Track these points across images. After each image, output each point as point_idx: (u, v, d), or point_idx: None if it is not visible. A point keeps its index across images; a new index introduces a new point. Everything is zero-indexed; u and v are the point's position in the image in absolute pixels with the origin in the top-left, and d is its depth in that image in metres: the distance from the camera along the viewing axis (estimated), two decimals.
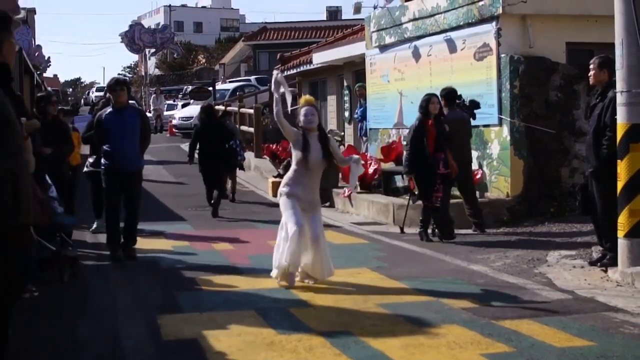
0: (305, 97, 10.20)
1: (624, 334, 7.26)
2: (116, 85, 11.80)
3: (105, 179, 11.81)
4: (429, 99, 12.86)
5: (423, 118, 12.78)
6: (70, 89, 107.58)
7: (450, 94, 13.68)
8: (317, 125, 9.79)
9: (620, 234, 9.50)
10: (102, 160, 11.87)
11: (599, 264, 10.23)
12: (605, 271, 9.88)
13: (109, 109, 11.92)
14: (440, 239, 12.83)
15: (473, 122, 15.20)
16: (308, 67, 28.56)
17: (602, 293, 8.92)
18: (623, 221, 9.46)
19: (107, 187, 11.80)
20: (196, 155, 17.49)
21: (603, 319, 7.80)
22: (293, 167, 9.80)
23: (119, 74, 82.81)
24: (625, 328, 7.44)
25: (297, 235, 9.29)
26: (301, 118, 9.66)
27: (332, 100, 26.80)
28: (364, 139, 21.02)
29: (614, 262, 9.74)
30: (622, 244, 9.51)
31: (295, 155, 9.76)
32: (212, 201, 16.97)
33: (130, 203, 11.90)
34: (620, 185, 9.47)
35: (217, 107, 33.12)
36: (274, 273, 9.75)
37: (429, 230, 13.06)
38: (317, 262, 9.57)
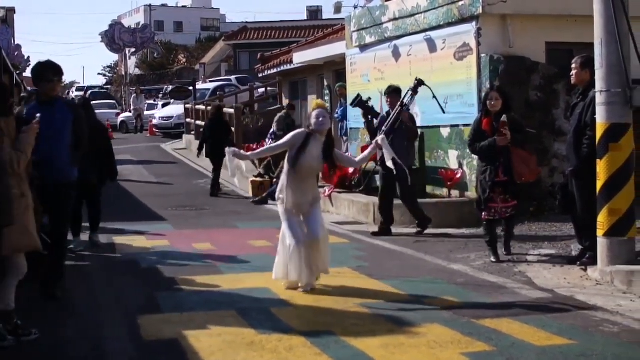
0: (316, 101, 10.04)
1: (604, 332, 7.30)
2: (54, 74, 9.07)
3: None
4: (487, 93, 11.23)
5: (479, 117, 11.31)
6: None
7: (396, 91, 13.75)
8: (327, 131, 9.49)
9: (600, 232, 9.55)
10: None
11: (578, 262, 10.27)
12: (585, 270, 9.92)
13: (32, 103, 9.32)
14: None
15: (453, 122, 15.30)
16: (288, 66, 28.58)
17: (582, 292, 8.96)
18: (602, 220, 9.51)
19: None
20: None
21: (583, 317, 7.84)
22: (285, 169, 9.55)
23: (99, 74, 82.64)
24: (604, 326, 7.47)
25: (297, 250, 9.14)
26: (312, 121, 9.33)
27: (312, 100, 26.77)
28: (345, 138, 21.05)
29: (593, 261, 9.79)
30: (601, 242, 9.56)
31: (289, 156, 9.44)
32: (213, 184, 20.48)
33: (57, 226, 9.09)
34: (599, 184, 9.52)
35: (200, 105, 33.20)
36: (278, 277, 9.54)
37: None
38: (318, 258, 9.35)
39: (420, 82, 13.61)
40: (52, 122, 8.71)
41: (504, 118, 10.76)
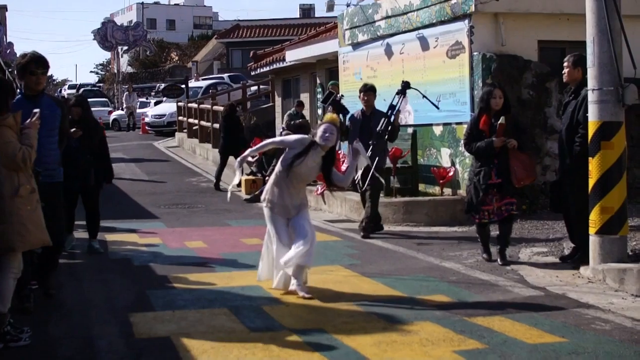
0: (329, 115, 9.66)
1: (595, 330, 7.31)
2: (37, 65, 8.38)
3: None
4: (490, 90, 10.64)
5: (478, 114, 10.80)
6: None
7: (372, 89, 13.60)
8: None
9: (592, 230, 9.56)
10: None
11: (570, 260, 10.29)
12: (577, 268, 9.93)
13: (17, 97, 8.23)
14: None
15: (445, 120, 15.31)
16: (281, 64, 28.56)
17: (574, 290, 8.98)
18: (594, 218, 9.52)
19: None
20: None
21: (574, 315, 7.85)
22: (277, 169, 9.25)
23: (91, 72, 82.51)
24: (596, 324, 7.49)
25: (281, 255, 8.92)
26: (319, 134, 9.02)
27: (305, 98, 26.79)
28: None
29: (585, 259, 9.80)
30: (593, 240, 9.57)
31: (284, 157, 9.13)
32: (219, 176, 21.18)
33: (51, 228, 7.81)
34: (591, 182, 9.53)
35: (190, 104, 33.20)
36: (261, 279, 9.39)
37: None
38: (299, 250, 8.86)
39: (407, 85, 13.45)
40: (40, 119, 7.73)
41: (502, 120, 10.43)
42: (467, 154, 14.42)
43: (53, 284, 9.23)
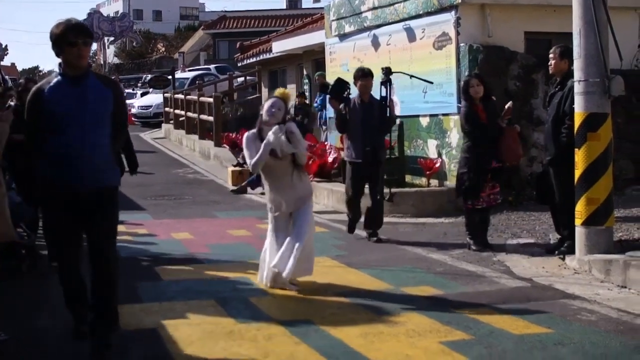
0: (281, 90, 9.07)
1: (581, 320, 7.33)
2: (76, 34, 6.36)
3: (49, 205, 6.67)
4: (467, 81, 11.11)
5: (470, 104, 10.95)
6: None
7: (371, 74, 12.56)
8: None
9: (578, 222, 9.58)
10: (42, 171, 6.51)
11: (556, 251, 10.31)
12: (563, 259, 9.96)
13: (55, 79, 6.51)
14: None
15: (432, 111, 15.32)
16: (268, 55, 28.58)
17: (560, 281, 9.00)
18: (580, 209, 9.54)
19: (54, 220, 6.64)
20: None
21: (561, 306, 7.87)
22: (262, 175, 8.97)
23: None
24: (582, 315, 7.51)
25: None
26: (265, 107, 8.66)
27: (291, 89, 26.76)
28: (324, 127, 21.02)
29: (571, 250, 9.83)
30: (579, 231, 9.59)
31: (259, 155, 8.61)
32: None
33: (101, 249, 6.65)
34: (577, 173, 9.55)
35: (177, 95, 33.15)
36: (264, 279, 9.03)
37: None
38: (287, 257, 8.63)
39: (388, 71, 12.56)
40: (85, 104, 6.38)
41: (510, 104, 11.07)
42: (453, 144, 14.54)
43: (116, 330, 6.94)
